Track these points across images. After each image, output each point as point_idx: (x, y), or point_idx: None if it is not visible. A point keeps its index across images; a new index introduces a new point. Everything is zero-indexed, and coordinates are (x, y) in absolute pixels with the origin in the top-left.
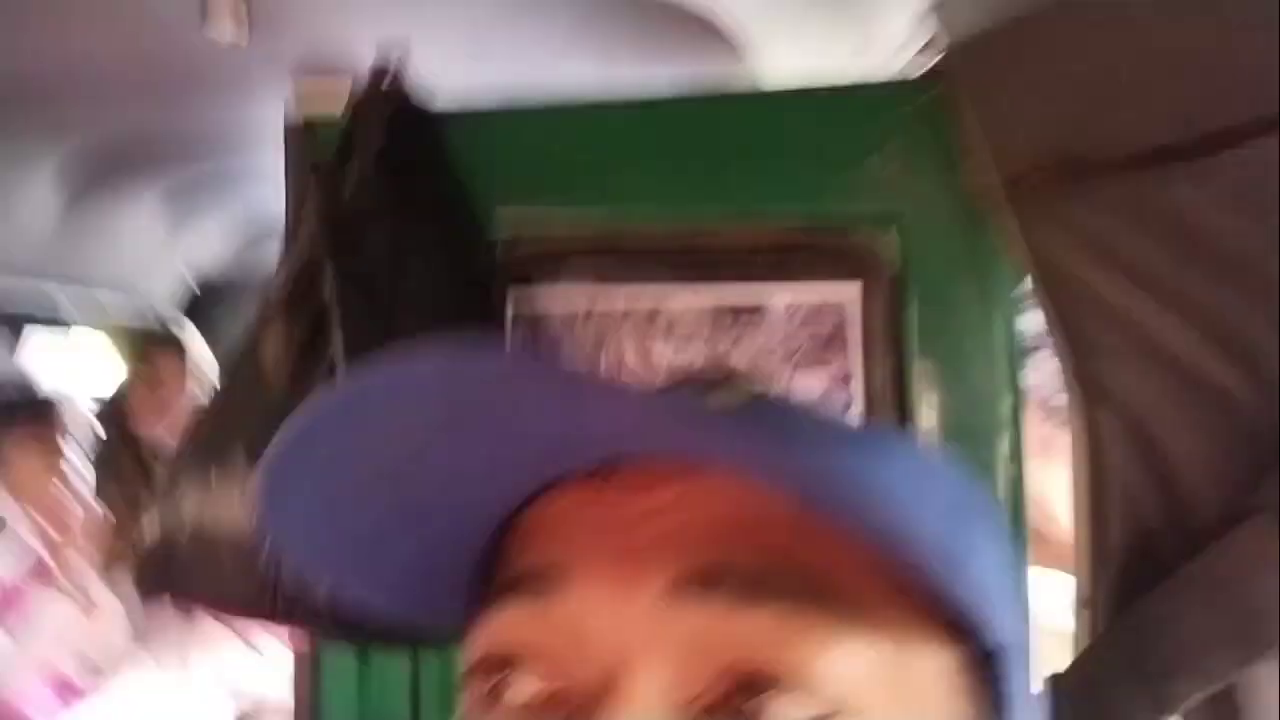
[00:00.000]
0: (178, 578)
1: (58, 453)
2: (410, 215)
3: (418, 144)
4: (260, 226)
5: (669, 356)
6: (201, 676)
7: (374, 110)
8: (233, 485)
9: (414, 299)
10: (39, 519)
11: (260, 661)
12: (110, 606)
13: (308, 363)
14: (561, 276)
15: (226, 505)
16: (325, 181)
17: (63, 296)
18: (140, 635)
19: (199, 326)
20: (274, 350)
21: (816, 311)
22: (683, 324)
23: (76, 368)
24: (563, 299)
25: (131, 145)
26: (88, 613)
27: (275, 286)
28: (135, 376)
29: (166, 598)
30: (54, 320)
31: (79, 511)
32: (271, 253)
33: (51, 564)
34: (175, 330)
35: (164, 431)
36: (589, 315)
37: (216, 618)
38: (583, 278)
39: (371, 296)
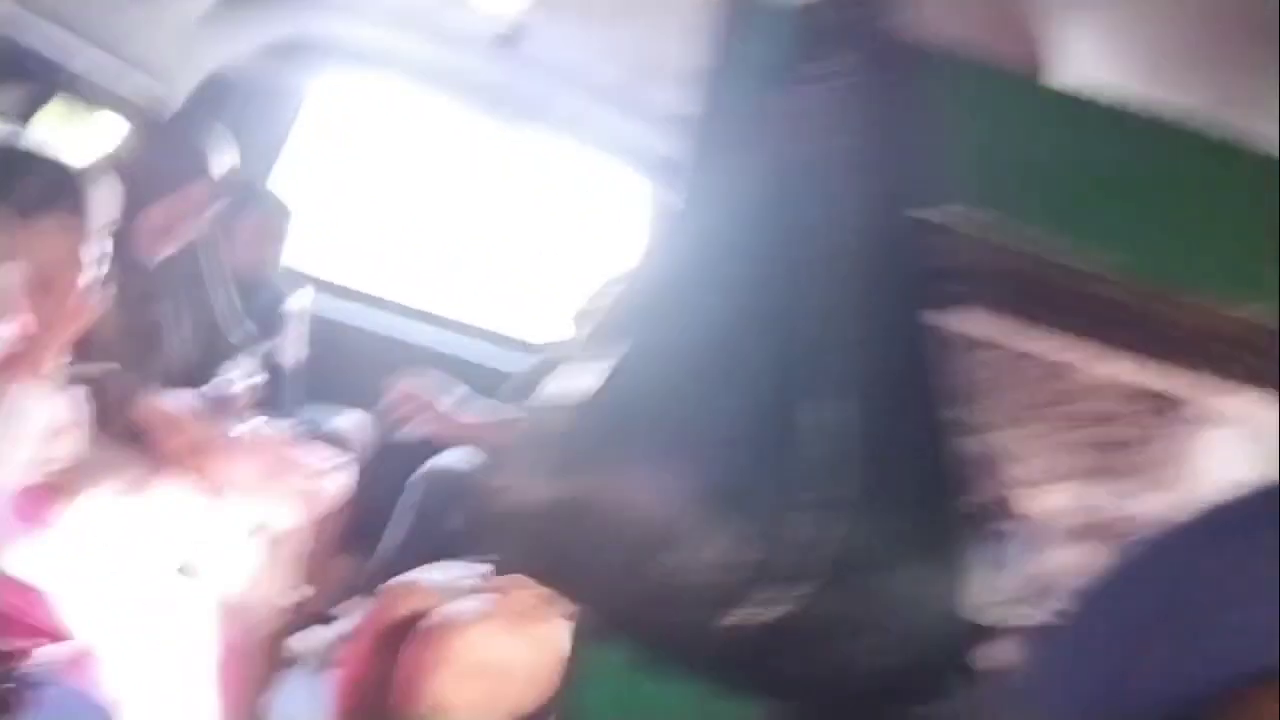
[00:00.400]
0: None
1: (79, 239)
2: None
3: (892, 78)
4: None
5: (1063, 430)
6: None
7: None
8: None
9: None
10: (39, 296)
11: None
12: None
13: None
14: (978, 293)
15: None
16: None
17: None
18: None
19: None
20: None
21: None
22: (1094, 396)
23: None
24: (971, 316)
25: None
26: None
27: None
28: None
29: None
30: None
31: (78, 300)
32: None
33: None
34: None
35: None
36: (988, 345)
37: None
38: (1001, 302)
39: None
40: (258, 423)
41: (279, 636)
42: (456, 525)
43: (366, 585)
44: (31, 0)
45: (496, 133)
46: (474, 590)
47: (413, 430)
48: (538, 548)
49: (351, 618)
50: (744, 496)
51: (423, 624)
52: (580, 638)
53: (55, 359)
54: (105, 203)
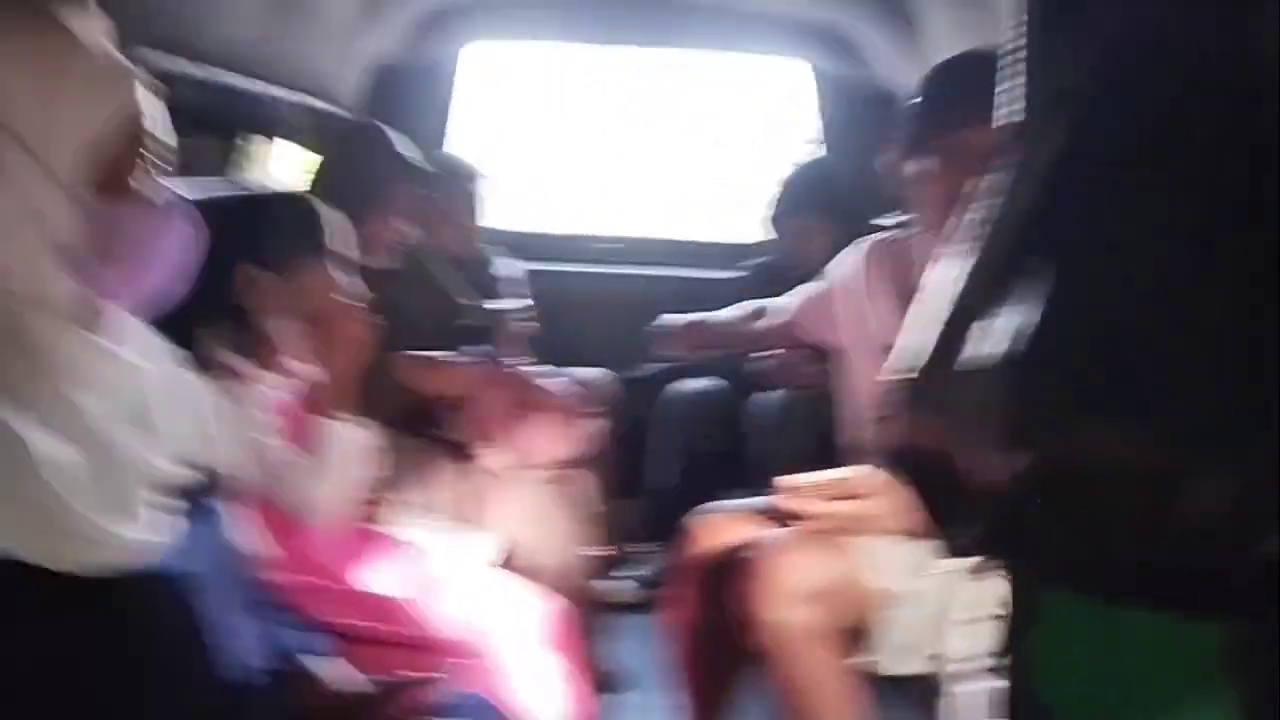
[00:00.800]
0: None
1: (332, 268)
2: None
3: None
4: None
5: None
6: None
7: None
8: None
9: None
10: (317, 339)
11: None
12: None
13: None
14: None
15: None
16: None
17: (269, 99)
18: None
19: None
20: None
21: None
22: None
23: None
24: None
25: None
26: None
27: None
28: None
29: None
30: (265, 128)
31: (354, 333)
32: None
33: (333, 394)
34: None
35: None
36: None
37: None
38: None
39: None
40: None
41: (588, 586)
42: (720, 447)
43: (653, 525)
44: (203, 53)
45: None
46: (770, 515)
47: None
48: (1015, 525)
49: (651, 559)
50: (1232, 431)
51: (742, 555)
52: (1030, 585)
53: (348, 391)
54: (340, 231)
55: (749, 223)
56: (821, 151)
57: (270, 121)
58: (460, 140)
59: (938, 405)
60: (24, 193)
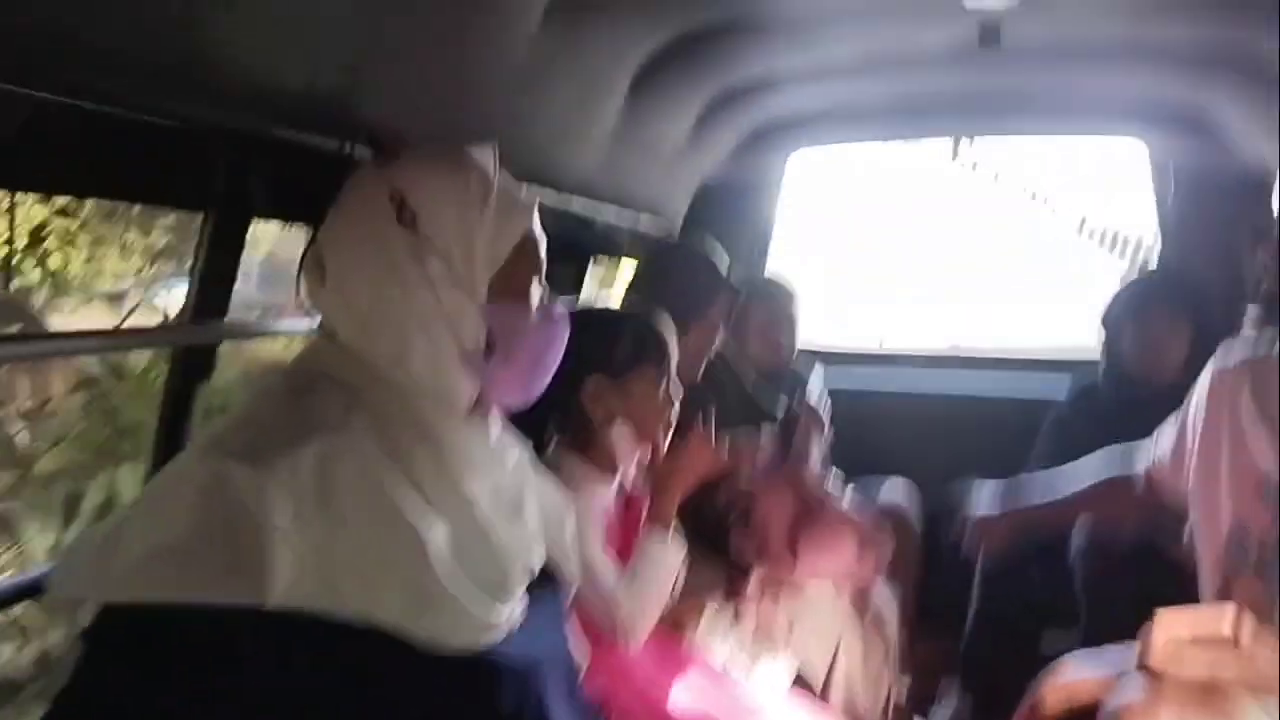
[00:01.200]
0: None
1: (662, 385)
2: None
3: None
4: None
5: None
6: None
7: None
8: None
9: None
10: (649, 450)
11: None
12: None
13: None
14: None
15: None
16: None
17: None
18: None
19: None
20: None
21: None
22: None
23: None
24: None
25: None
26: None
27: None
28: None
29: None
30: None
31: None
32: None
33: (658, 505)
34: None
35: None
36: None
37: None
38: None
39: None
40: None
41: None
42: (1050, 582)
43: (971, 662)
44: (555, 181)
45: (974, 151)
46: (1126, 674)
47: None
48: None
49: (965, 700)
50: None
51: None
52: None
53: (673, 503)
54: (672, 344)
55: (1078, 333)
56: (1160, 246)
57: (608, 243)
58: (783, 250)
59: None
60: (441, 300)
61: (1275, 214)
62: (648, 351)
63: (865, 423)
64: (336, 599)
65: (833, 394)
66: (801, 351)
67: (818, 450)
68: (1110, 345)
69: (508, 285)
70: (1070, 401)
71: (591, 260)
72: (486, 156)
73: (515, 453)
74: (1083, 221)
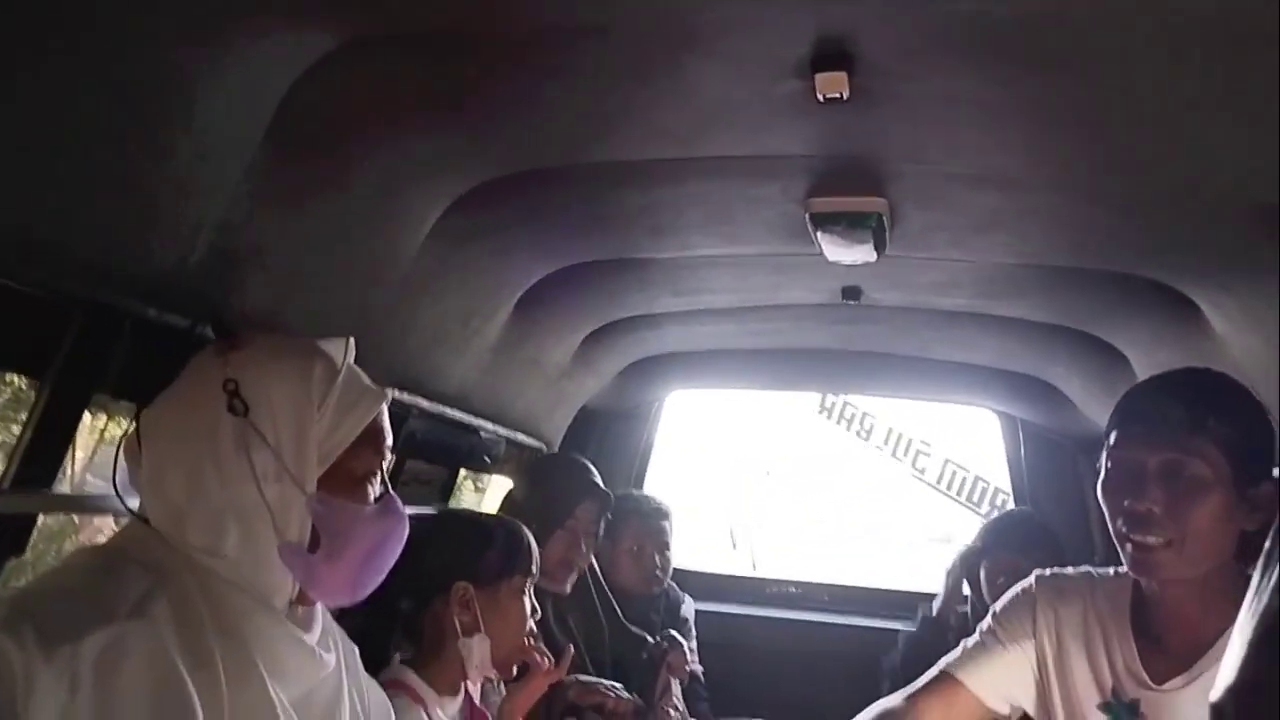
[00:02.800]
0: None
1: (525, 595)
2: None
3: None
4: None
5: None
6: None
7: None
8: None
9: None
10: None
11: None
12: None
13: None
14: None
15: None
16: None
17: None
18: None
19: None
20: None
21: None
22: None
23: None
24: None
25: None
26: None
27: None
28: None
29: None
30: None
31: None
32: None
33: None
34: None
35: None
36: None
37: None
38: None
39: None
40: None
41: None
42: None
43: None
44: (435, 394)
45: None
46: None
47: None
48: None
49: None
50: None
51: None
52: None
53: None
54: (534, 554)
55: (926, 572)
56: (1012, 500)
57: (482, 457)
58: (653, 481)
59: None
60: (265, 492)
61: None
62: (520, 559)
63: (733, 647)
64: None
65: (700, 615)
66: (676, 570)
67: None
68: (970, 572)
69: (343, 477)
70: (922, 627)
71: (459, 470)
72: (337, 348)
73: (335, 656)
74: (941, 473)
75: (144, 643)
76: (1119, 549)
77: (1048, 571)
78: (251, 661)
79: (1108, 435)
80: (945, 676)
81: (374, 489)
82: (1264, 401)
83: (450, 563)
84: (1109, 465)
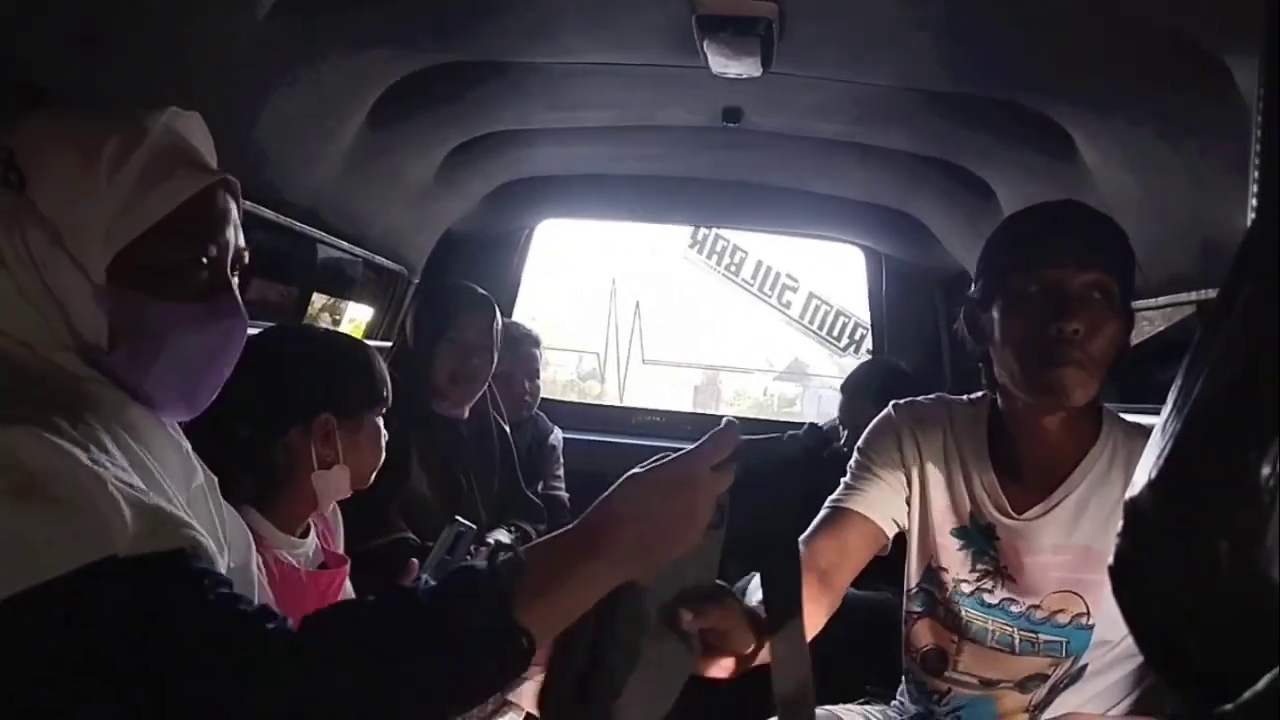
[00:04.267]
0: None
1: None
2: None
3: None
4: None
5: None
6: None
7: None
8: None
9: None
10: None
11: None
12: None
13: None
14: None
15: None
16: None
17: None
18: None
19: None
20: None
21: None
22: None
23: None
24: None
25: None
26: None
27: None
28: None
29: None
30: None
31: None
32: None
33: None
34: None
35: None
36: None
37: None
38: None
39: None
40: None
41: None
42: None
43: None
44: (283, 205)
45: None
46: None
47: None
48: None
49: None
50: None
51: None
52: None
53: None
54: (388, 382)
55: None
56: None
57: (339, 280)
58: (521, 313)
59: None
60: (45, 278)
61: None
62: (380, 387)
63: (599, 474)
64: None
65: (568, 444)
66: (547, 400)
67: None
68: (841, 417)
69: (152, 266)
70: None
71: (313, 291)
72: (154, 117)
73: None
74: (805, 308)
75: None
76: (1023, 375)
77: (903, 401)
78: (140, 460)
79: (998, 263)
80: (833, 510)
81: (196, 284)
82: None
83: (313, 390)
84: (1017, 291)
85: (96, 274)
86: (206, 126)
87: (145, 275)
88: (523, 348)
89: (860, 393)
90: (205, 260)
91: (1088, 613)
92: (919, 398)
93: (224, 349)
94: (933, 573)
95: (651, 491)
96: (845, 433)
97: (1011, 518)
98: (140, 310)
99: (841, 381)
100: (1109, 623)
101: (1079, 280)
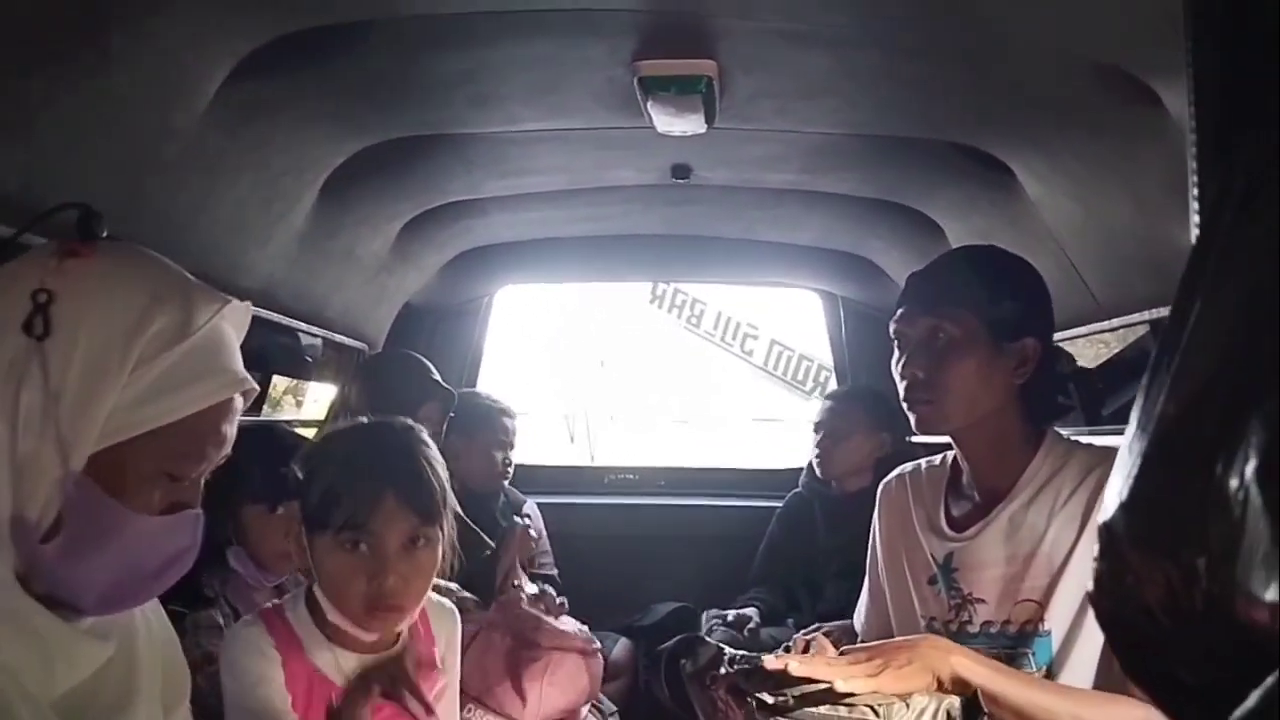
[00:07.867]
0: None
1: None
2: None
3: None
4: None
5: None
6: None
7: None
8: None
9: None
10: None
11: None
12: None
13: None
14: None
15: None
16: None
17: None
18: None
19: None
20: None
21: None
22: None
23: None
24: None
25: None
26: None
27: None
28: None
29: None
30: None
31: None
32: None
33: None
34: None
35: None
36: None
37: None
38: None
39: None
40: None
41: None
42: None
43: None
44: (237, 292)
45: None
46: None
47: None
48: None
49: None
50: None
51: None
52: None
53: None
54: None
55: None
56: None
57: (296, 361)
58: (486, 379)
59: None
60: (17, 438)
61: None
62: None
63: (575, 536)
64: None
65: (542, 508)
66: (518, 467)
67: (526, 577)
68: (826, 429)
69: (130, 466)
70: (780, 520)
71: (274, 376)
72: (209, 304)
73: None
74: (768, 355)
75: None
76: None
77: (892, 476)
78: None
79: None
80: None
81: (163, 496)
82: (1071, 259)
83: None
84: (891, 340)
85: (77, 461)
86: (250, 314)
87: (120, 476)
88: (495, 419)
89: (849, 400)
90: (187, 475)
91: (1044, 619)
92: (903, 466)
93: (167, 570)
94: (925, 623)
95: None
96: (829, 445)
97: (956, 540)
98: (96, 509)
99: (825, 393)
100: (1059, 623)
101: (920, 325)
